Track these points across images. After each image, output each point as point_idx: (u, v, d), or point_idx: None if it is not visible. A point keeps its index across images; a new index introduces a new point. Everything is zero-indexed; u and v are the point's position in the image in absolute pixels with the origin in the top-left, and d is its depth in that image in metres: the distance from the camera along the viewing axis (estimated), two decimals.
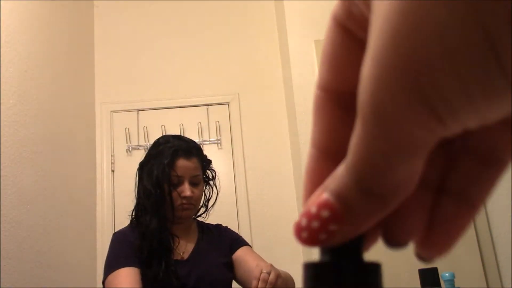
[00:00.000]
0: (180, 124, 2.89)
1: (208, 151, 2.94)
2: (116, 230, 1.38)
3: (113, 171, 2.82)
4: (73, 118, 2.62)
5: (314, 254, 2.29)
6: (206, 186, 1.37)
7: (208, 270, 1.26)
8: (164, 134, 2.85)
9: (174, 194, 1.25)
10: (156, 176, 1.24)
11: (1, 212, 1.76)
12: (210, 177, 1.38)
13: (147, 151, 1.36)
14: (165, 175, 1.23)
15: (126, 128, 2.88)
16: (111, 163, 2.84)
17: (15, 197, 1.88)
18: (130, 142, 2.85)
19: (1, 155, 1.81)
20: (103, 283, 1.22)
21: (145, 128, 2.88)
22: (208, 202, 1.38)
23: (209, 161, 1.38)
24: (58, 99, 2.43)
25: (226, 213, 2.69)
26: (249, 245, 1.38)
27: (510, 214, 2.35)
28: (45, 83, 2.30)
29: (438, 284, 1.32)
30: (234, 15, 3.16)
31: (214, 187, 1.38)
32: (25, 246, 1.92)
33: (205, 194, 1.36)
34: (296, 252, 2.70)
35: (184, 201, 1.25)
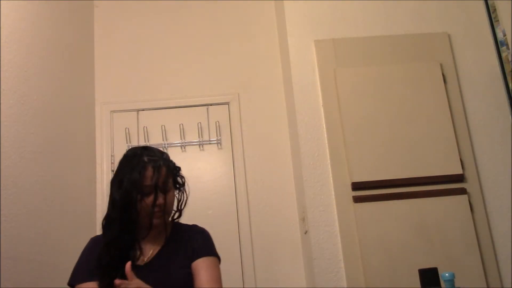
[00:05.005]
0: (180, 124, 2.89)
1: (208, 151, 2.96)
2: (95, 235, 1.45)
3: (113, 171, 2.82)
4: (73, 118, 2.62)
5: (314, 254, 2.28)
6: (177, 192, 1.42)
7: (166, 274, 1.30)
8: (162, 134, 2.87)
9: (144, 203, 1.30)
10: (126, 188, 1.30)
11: (1, 212, 1.76)
12: (181, 183, 1.43)
13: (117, 165, 1.44)
14: (136, 187, 1.29)
15: (126, 128, 2.89)
16: (111, 163, 2.84)
17: (15, 197, 1.88)
18: (130, 142, 2.85)
19: (1, 155, 1.81)
20: (68, 285, 1.34)
21: (145, 128, 2.89)
22: (181, 206, 1.43)
23: (178, 168, 1.43)
24: (58, 99, 2.43)
25: (226, 213, 2.68)
26: (214, 256, 1.37)
27: (510, 214, 2.35)
28: (45, 83, 2.30)
29: (438, 284, 1.32)
30: (234, 15, 3.16)
31: (184, 193, 1.42)
32: (25, 246, 1.92)
33: (177, 199, 1.41)
34: (296, 252, 2.70)
35: (156, 209, 1.30)
